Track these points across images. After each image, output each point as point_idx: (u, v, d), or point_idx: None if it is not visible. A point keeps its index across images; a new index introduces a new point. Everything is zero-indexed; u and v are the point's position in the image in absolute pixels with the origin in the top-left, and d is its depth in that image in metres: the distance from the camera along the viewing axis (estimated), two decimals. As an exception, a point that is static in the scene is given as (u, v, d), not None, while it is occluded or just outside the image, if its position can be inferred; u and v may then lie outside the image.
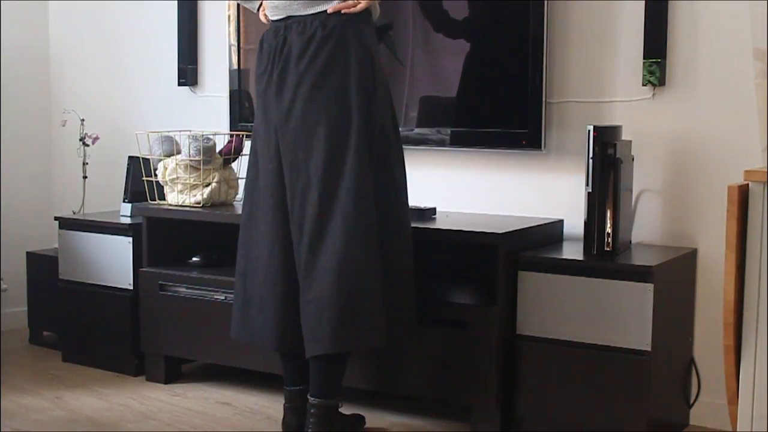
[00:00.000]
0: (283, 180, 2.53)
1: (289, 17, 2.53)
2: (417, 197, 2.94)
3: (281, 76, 2.52)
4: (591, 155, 2.67)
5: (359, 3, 2.50)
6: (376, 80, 2.53)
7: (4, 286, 3.75)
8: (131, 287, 3.32)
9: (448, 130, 3.13)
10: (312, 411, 2.53)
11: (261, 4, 2.65)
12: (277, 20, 2.56)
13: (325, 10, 2.48)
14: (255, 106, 2.64)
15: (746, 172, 2.30)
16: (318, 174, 2.46)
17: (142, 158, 3.40)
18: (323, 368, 2.53)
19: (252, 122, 3.51)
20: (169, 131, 3.41)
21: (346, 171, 2.45)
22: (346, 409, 2.78)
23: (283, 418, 2.70)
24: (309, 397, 2.54)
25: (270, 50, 2.56)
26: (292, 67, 2.49)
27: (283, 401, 2.70)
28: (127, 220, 3.43)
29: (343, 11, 2.48)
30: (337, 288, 2.42)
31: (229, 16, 3.56)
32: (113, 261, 3.37)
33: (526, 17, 2.94)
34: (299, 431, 2.65)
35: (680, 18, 2.85)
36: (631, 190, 2.85)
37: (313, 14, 2.49)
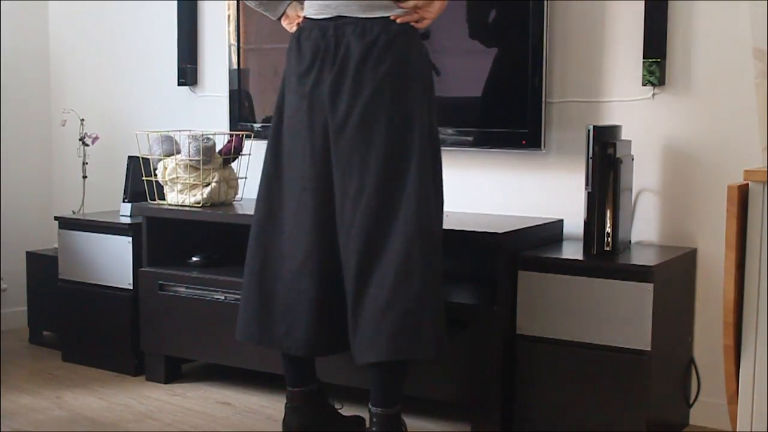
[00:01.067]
0: (329, 183, 2.45)
1: (339, 17, 2.46)
2: (417, 197, 2.94)
3: (338, 79, 2.43)
4: (591, 155, 2.67)
5: (424, 19, 2.49)
6: (432, 90, 2.51)
7: (4, 286, 3.75)
8: (131, 287, 3.32)
9: (449, 130, 3.13)
10: (374, 420, 2.47)
11: (285, 12, 2.59)
12: (322, 19, 2.48)
13: (387, 16, 2.44)
14: (291, 104, 2.52)
15: (746, 171, 2.30)
16: (375, 180, 2.39)
17: (142, 158, 3.40)
18: (382, 377, 2.47)
19: (251, 122, 3.54)
20: (169, 131, 3.41)
21: (409, 177, 2.39)
22: (346, 410, 2.78)
23: (284, 418, 2.68)
24: (370, 406, 2.48)
25: (317, 49, 2.47)
26: (352, 71, 2.42)
27: (285, 401, 2.68)
28: (127, 220, 3.43)
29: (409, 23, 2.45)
30: (398, 294, 2.35)
31: (229, 16, 3.56)
32: (113, 261, 3.37)
33: (526, 17, 2.95)
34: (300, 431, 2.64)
35: (680, 18, 2.85)
36: (630, 190, 2.85)
37: (372, 18, 2.44)
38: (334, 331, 2.50)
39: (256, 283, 2.57)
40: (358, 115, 2.42)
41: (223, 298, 3.08)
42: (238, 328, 2.62)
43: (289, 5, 2.59)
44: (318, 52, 2.47)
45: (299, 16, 2.56)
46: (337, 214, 2.45)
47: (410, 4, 2.46)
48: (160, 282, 3.21)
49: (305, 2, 2.55)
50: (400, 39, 2.44)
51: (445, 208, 3.14)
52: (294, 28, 2.58)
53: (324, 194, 2.47)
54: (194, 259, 3.29)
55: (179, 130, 3.39)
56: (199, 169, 3.24)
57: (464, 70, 3.11)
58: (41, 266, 3.73)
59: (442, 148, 3.15)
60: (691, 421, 2.89)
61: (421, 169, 2.41)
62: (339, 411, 2.75)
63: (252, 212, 3.16)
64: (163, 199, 3.35)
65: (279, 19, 2.63)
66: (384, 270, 2.37)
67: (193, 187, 3.26)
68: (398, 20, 2.44)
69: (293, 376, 2.65)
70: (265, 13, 2.65)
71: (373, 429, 2.46)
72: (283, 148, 2.56)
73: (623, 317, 2.56)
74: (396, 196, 2.40)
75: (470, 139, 3.10)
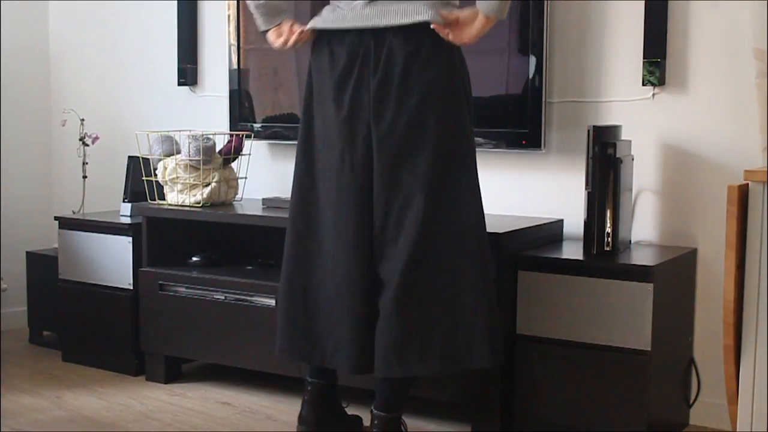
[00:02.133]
0: (370, 194, 2.37)
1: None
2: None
3: (382, 86, 2.33)
4: (591, 155, 2.67)
5: (463, 39, 2.34)
6: (471, 96, 2.46)
7: (4, 286, 3.75)
8: (131, 287, 3.32)
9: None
10: (375, 422, 2.45)
11: (281, 24, 2.48)
12: (352, 28, 2.36)
13: (429, 21, 2.32)
14: (326, 112, 2.42)
15: (746, 172, 2.30)
16: (425, 192, 2.32)
17: (142, 158, 3.40)
18: (393, 385, 2.44)
19: (251, 122, 3.54)
20: (169, 131, 3.41)
21: (461, 188, 2.35)
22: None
23: (300, 413, 2.60)
24: (373, 409, 2.46)
25: (355, 53, 2.35)
26: (397, 77, 2.32)
27: (303, 394, 2.60)
28: (127, 220, 3.43)
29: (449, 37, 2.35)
30: (449, 306, 2.33)
31: (228, 16, 3.56)
32: (113, 261, 3.37)
33: (526, 17, 2.95)
34: (317, 430, 2.58)
35: (680, 18, 2.85)
36: (630, 190, 2.85)
37: (414, 23, 2.32)
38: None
39: (299, 299, 2.49)
40: (405, 123, 2.33)
41: (223, 298, 3.08)
42: (282, 344, 2.54)
43: (284, 20, 2.50)
44: (356, 56, 2.36)
45: (293, 31, 2.46)
46: (377, 226, 2.38)
47: (452, 16, 2.34)
48: (160, 282, 3.21)
49: (332, 2, 2.44)
50: (444, 44, 2.35)
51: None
52: (279, 43, 2.48)
53: (363, 206, 2.38)
54: (194, 259, 3.29)
55: (179, 130, 3.39)
56: (199, 169, 3.24)
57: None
58: (41, 266, 3.73)
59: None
60: (691, 421, 2.89)
61: (472, 178, 2.38)
62: (345, 410, 2.74)
63: (249, 212, 3.19)
64: (163, 199, 3.35)
65: (266, 31, 2.52)
66: (434, 282, 2.34)
67: (193, 187, 3.26)
68: (432, 26, 2.32)
69: (317, 368, 2.58)
70: (258, 19, 2.53)
71: (374, 430, 2.46)
72: (316, 158, 2.46)
73: (623, 317, 2.56)
74: (448, 207, 2.35)
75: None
